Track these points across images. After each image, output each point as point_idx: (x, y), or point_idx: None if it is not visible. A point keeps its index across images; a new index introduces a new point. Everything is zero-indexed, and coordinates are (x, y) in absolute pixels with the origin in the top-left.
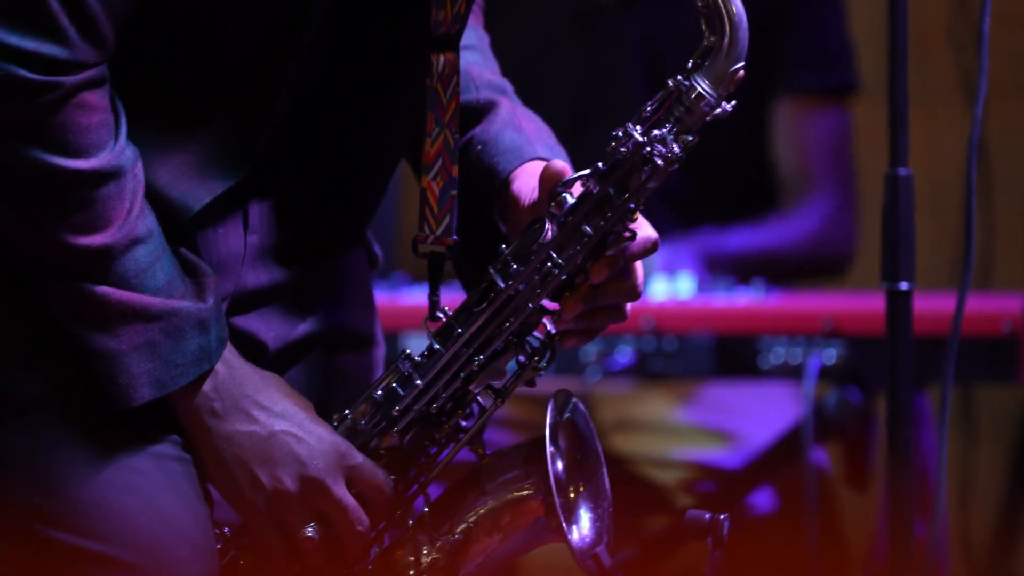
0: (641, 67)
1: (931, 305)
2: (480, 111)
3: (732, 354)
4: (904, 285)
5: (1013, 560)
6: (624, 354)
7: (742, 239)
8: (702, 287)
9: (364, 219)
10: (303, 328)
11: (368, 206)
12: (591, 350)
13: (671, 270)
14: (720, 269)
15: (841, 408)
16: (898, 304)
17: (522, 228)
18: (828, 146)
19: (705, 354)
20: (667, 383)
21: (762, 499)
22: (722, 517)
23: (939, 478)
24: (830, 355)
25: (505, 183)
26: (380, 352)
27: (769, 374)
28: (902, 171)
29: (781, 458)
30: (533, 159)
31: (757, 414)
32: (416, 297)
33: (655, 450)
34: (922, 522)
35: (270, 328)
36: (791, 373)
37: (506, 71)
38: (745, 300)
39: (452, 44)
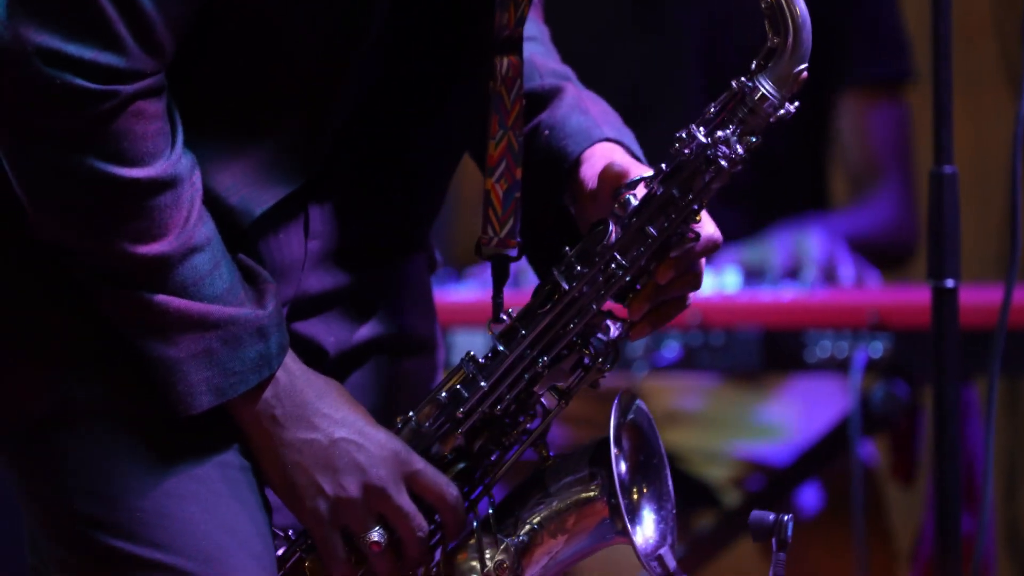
0: (700, 60)
1: (977, 298)
2: (546, 97)
3: (778, 348)
4: (950, 283)
5: None
6: (671, 349)
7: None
8: (749, 281)
9: (425, 223)
10: (364, 333)
11: (428, 210)
12: (638, 345)
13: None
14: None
15: (888, 401)
16: (944, 302)
17: (590, 210)
18: (893, 136)
19: (752, 348)
20: (714, 377)
21: (809, 495)
22: (786, 518)
23: (986, 471)
24: (876, 348)
25: (575, 165)
26: (440, 355)
27: (815, 368)
28: (947, 169)
29: (828, 452)
30: (601, 140)
31: (804, 408)
32: (461, 294)
33: (702, 445)
34: (969, 515)
35: (330, 333)
36: (838, 367)
37: (565, 61)
38: (791, 294)
39: (515, 47)
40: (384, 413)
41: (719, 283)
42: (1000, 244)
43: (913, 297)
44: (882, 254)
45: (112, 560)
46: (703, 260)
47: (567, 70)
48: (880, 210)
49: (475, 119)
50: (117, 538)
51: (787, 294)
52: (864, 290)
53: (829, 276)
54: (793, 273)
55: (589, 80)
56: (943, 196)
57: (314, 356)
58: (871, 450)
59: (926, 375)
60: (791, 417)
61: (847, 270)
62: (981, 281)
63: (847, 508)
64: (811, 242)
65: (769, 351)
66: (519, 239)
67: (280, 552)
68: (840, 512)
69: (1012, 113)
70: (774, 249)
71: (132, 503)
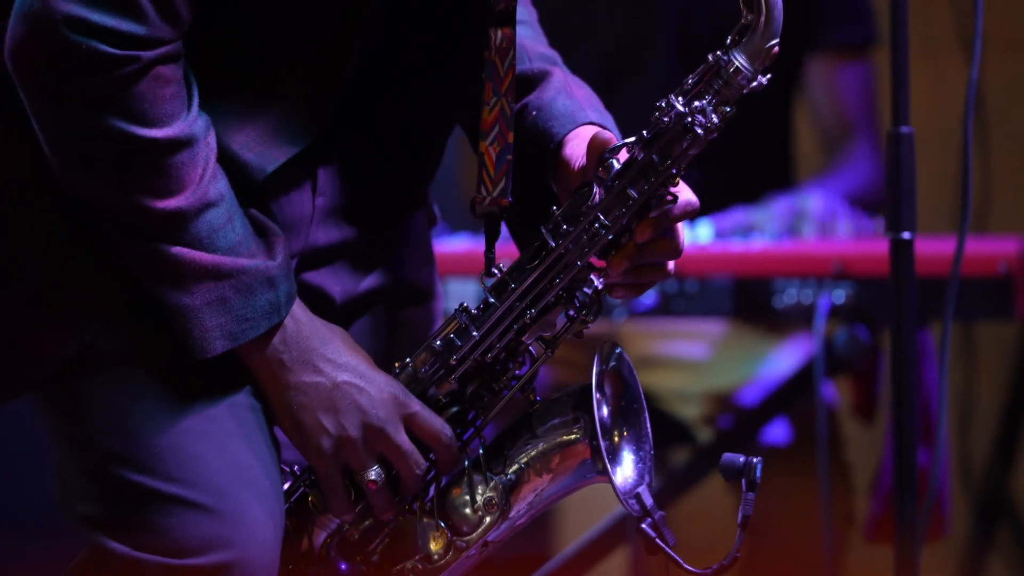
0: (675, 34)
1: (932, 248)
2: (534, 80)
3: (748, 295)
4: (907, 235)
5: (1009, 485)
6: (649, 296)
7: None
8: (720, 233)
9: (424, 181)
10: (368, 283)
11: (426, 169)
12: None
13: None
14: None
15: (850, 345)
16: (901, 252)
17: (573, 188)
18: (862, 96)
19: (723, 296)
20: (688, 323)
21: (778, 430)
22: (755, 460)
23: (940, 409)
24: (839, 296)
25: (559, 146)
26: (439, 305)
27: (783, 314)
28: (904, 129)
29: (794, 392)
30: (585, 123)
31: (772, 352)
32: (454, 245)
33: (677, 386)
34: (925, 450)
35: (336, 283)
36: (803, 313)
37: (544, 25)
38: (760, 245)
39: (509, 20)
40: (385, 358)
41: (693, 235)
42: (954, 197)
43: (873, 248)
44: (868, 206)
45: (129, 491)
46: (681, 228)
47: (555, 54)
48: (859, 167)
49: (468, 86)
50: (134, 471)
51: (756, 245)
52: (827, 241)
53: (830, 232)
54: (793, 230)
55: (565, 43)
56: (900, 154)
57: (322, 304)
58: (834, 390)
59: (885, 320)
60: (760, 360)
61: (847, 225)
62: (937, 233)
63: (812, 443)
64: (811, 201)
65: (739, 298)
66: (510, 198)
67: (286, 486)
68: (805, 447)
69: (966, 77)
70: (774, 210)
71: (148, 440)
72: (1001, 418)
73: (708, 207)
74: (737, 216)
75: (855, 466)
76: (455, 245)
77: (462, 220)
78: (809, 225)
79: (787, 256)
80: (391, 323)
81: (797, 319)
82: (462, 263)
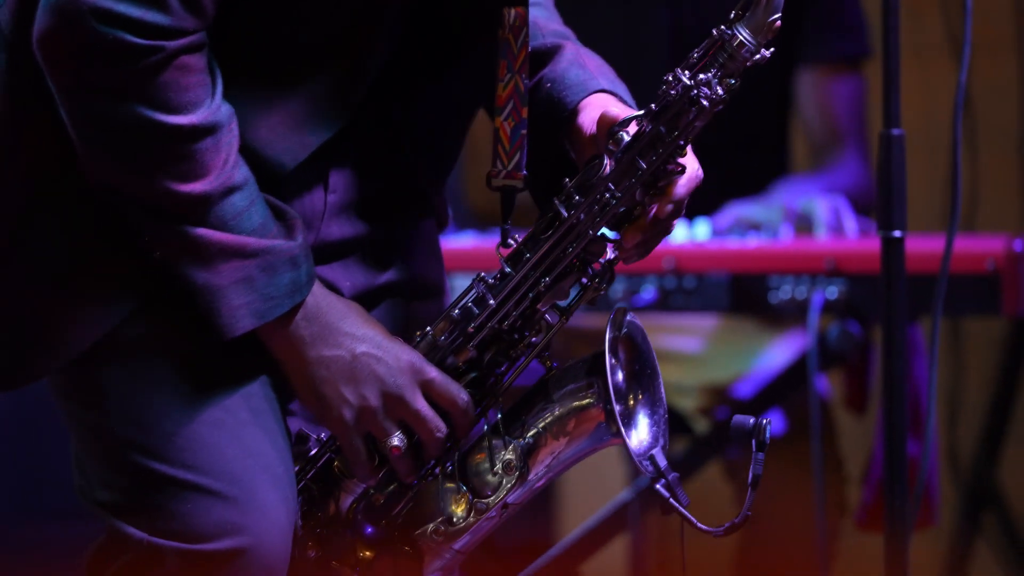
0: (667, 42)
1: (923, 246)
2: (548, 53)
3: (745, 291)
4: (898, 233)
5: (994, 475)
6: (648, 291)
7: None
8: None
9: (437, 180)
10: (379, 278)
11: (438, 170)
12: (619, 288)
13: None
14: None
15: (842, 339)
16: (892, 250)
17: (589, 151)
18: (853, 107)
19: (721, 291)
20: (686, 318)
21: (773, 421)
22: (764, 421)
23: (930, 402)
24: (832, 291)
25: (573, 113)
26: (446, 300)
27: (777, 309)
28: (895, 131)
29: (789, 385)
30: (597, 91)
31: (767, 346)
32: (460, 242)
33: (674, 379)
34: (914, 441)
35: (347, 277)
36: (797, 308)
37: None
38: (756, 243)
39: (521, 0)
40: None
41: (691, 233)
42: (943, 198)
43: (865, 245)
44: (857, 208)
45: (148, 479)
46: (686, 192)
47: (567, 30)
48: (848, 172)
49: (483, 84)
50: (152, 459)
51: (752, 242)
52: (821, 239)
53: (838, 231)
54: (803, 230)
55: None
56: (891, 155)
57: None
58: (827, 383)
59: (877, 316)
60: (756, 354)
61: (851, 224)
62: (926, 232)
63: (806, 434)
64: (818, 202)
65: (736, 294)
66: (524, 172)
67: (313, 452)
68: (799, 437)
69: (955, 81)
70: (782, 208)
71: (165, 428)
72: (988, 411)
73: (706, 207)
74: (736, 211)
75: (847, 456)
76: (461, 243)
77: (468, 219)
78: (818, 225)
79: (782, 253)
80: (401, 316)
81: (792, 314)
82: (468, 260)
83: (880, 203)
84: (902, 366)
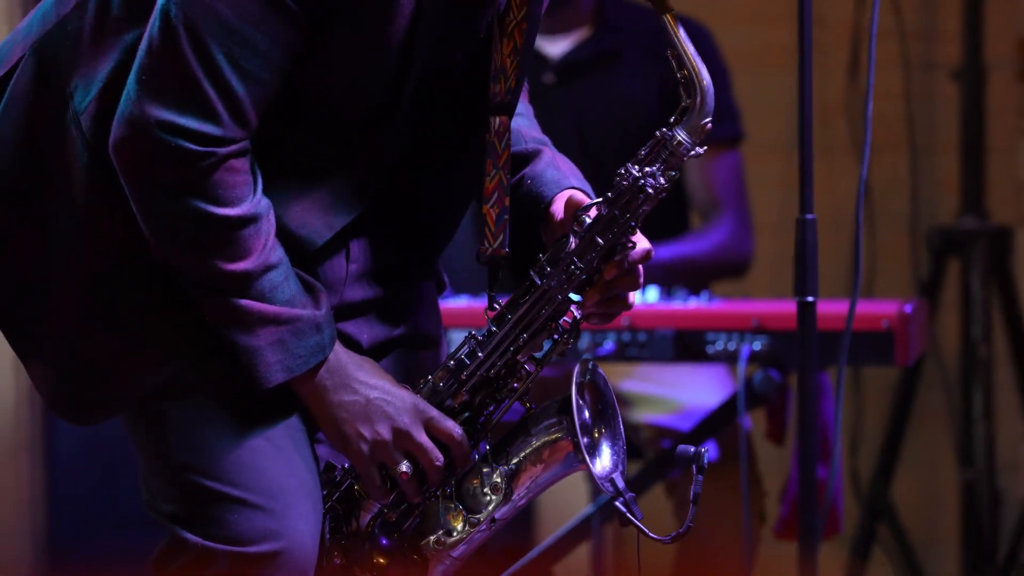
0: (575, 134)
1: (830, 308)
2: (529, 156)
3: (686, 344)
4: (810, 298)
5: (888, 494)
6: (608, 344)
7: (670, 250)
8: (663, 295)
9: (437, 252)
10: (391, 332)
11: (440, 242)
12: (584, 342)
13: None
14: (651, 274)
15: (765, 384)
16: (806, 312)
17: (559, 234)
18: (729, 179)
19: (667, 344)
20: (639, 366)
21: (710, 450)
22: (703, 450)
23: (835, 434)
24: (757, 345)
25: (547, 205)
26: (444, 350)
27: (713, 358)
28: (809, 216)
29: (721, 420)
30: (568, 188)
31: (703, 389)
32: (456, 303)
33: (631, 416)
34: (823, 466)
35: (363, 332)
36: (728, 358)
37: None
38: (696, 304)
39: (506, 110)
40: None
41: (643, 297)
42: (847, 270)
43: (785, 308)
44: (720, 269)
45: (202, 494)
46: (640, 267)
47: (545, 138)
48: (717, 235)
49: (475, 178)
50: (205, 479)
51: (692, 304)
52: (748, 302)
53: (750, 295)
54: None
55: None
56: (805, 236)
57: (353, 348)
58: (751, 419)
59: (793, 365)
60: (694, 396)
61: (680, 293)
62: (833, 297)
63: (735, 460)
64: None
65: (679, 346)
66: (508, 250)
67: (338, 479)
68: (729, 462)
69: (857, 174)
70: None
71: (216, 454)
72: (883, 442)
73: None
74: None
75: (768, 478)
76: (457, 303)
77: (462, 285)
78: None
79: (717, 313)
80: (407, 363)
81: (724, 363)
82: (462, 317)
83: (796, 274)
84: (813, 405)
